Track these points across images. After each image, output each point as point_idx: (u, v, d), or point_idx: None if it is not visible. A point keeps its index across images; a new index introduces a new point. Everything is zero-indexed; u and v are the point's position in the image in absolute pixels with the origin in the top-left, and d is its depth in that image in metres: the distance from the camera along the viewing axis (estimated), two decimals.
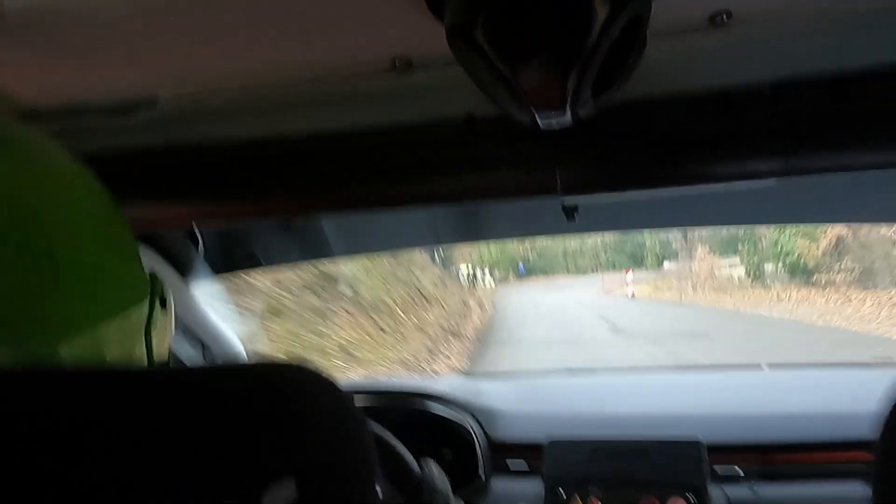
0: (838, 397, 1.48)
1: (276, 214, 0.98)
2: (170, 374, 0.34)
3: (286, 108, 0.91)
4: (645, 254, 39.86)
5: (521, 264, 39.44)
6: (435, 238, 1.47)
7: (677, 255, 30.85)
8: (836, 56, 0.78)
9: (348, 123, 0.92)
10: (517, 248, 38.16)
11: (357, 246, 1.59)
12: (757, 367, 1.86)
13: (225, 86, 0.86)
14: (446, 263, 20.42)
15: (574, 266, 43.08)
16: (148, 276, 0.54)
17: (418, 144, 0.90)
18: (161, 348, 0.54)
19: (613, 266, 38.98)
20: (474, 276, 27.55)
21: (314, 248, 1.49)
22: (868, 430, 0.45)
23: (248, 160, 0.94)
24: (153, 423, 0.30)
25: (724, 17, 0.69)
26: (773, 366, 1.84)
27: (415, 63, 0.81)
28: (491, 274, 31.28)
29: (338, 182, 0.92)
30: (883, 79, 0.79)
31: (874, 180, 1.13)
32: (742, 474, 1.32)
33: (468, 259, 28.73)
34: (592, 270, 40.43)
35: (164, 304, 0.55)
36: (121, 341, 0.47)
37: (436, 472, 0.97)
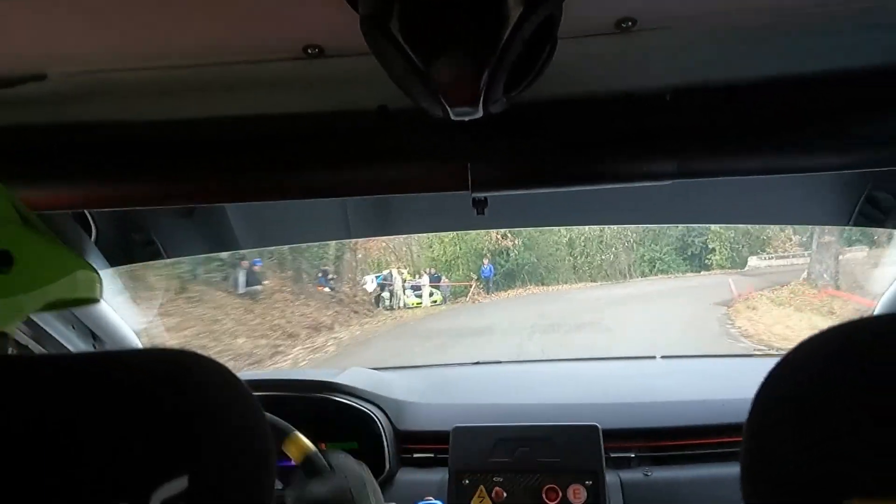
0: (722, 385, 1.59)
1: (177, 201, 0.94)
2: (52, 360, 0.32)
3: (191, 91, 0.87)
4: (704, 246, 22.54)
5: (487, 266, 20.13)
6: (346, 231, 1.45)
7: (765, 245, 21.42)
8: (732, 65, 0.84)
9: (257, 109, 0.89)
10: (488, 237, 19.99)
11: (265, 237, 1.54)
12: (651, 357, 1.98)
13: (123, 65, 0.82)
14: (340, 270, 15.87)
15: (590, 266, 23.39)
16: None
17: (329, 134, 0.89)
18: None
19: (663, 267, 22.83)
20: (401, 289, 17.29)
21: (220, 239, 1.44)
22: (745, 415, 0.48)
23: (147, 142, 0.89)
24: (35, 414, 0.27)
25: (630, 23, 0.72)
26: (665, 356, 1.96)
27: (327, 51, 0.80)
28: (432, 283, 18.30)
29: (244, 168, 0.89)
30: (774, 88, 0.85)
31: (765, 183, 1.22)
32: (634, 458, 1.39)
33: (403, 260, 19.28)
34: (624, 275, 22.74)
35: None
36: None
37: (342, 456, 0.98)
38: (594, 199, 1.32)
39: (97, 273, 0.60)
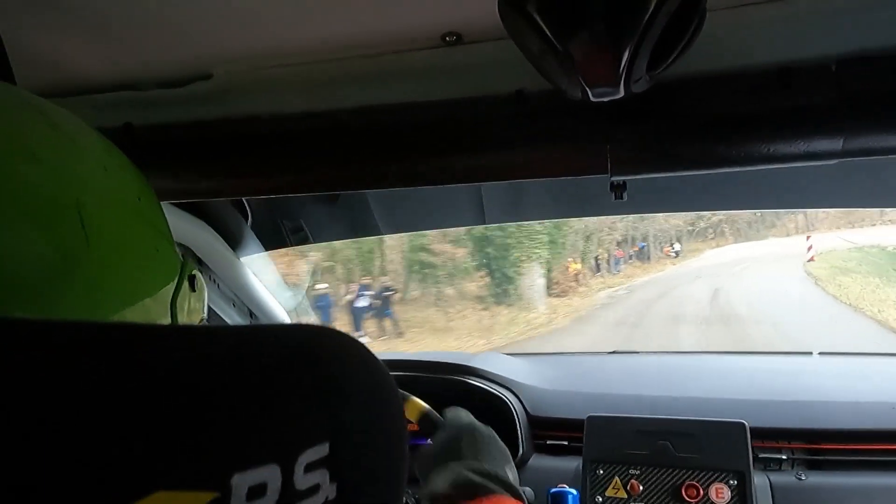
0: (889, 387, 1.43)
1: (324, 188, 0.99)
2: (208, 332, 0.34)
3: (337, 83, 0.92)
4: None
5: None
6: (481, 216, 1.47)
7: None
8: None
9: (398, 98, 0.92)
10: None
11: (403, 223, 1.60)
12: (808, 353, 1.82)
13: (277, 61, 0.88)
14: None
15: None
16: (180, 257, 0.55)
17: (468, 120, 0.90)
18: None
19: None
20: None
21: (361, 224, 1.51)
22: None
23: (297, 134, 0.95)
24: (190, 382, 0.30)
25: None
26: (823, 353, 1.80)
27: (465, 38, 0.81)
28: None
29: (386, 156, 0.93)
30: None
31: None
32: (787, 460, 1.30)
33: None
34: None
35: (192, 285, 0.55)
36: (146, 319, 0.48)
37: (456, 412, 1.02)
38: (741, 180, 1.23)
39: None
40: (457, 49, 0.83)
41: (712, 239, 37.63)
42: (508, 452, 0.94)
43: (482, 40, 0.82)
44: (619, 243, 27.86)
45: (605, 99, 0.71)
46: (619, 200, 0.94)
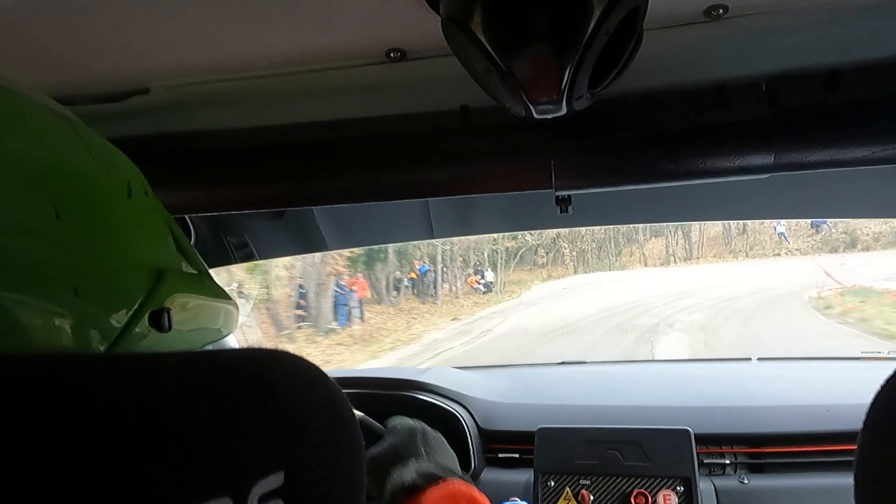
0: (825, 390, 1.49)
1: (269, 204, 0.98)
2: (154, 358, 0.32)
3: (279, 98, 0.91)
4: None
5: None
6: (429, 231, 1.47)
7: None
8: (830, 49, 0.79)
9: (342, 113, 0.92)
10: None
11: (351, 238, 1.58)
12: (747, 359, 1.88)
13: (218, 76, 0.86)
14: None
15: None
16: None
17: (413, 135, 0.90)
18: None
19: None
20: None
21: (308, 240, 1.49)
22: (855, 422, 0.45)
23: (240, 149, 0.93)
24: (134, 412, 0.28)
25: (721, 10, 0.69)
26: (762, 358, 1.86)
27: (410, 54, 0.81)
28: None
29: (331, 172, 0.92)
30: (876, 72, 0.79)
31: (864, 175, 1.13)
32: (730, 464, 1.33)
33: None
34: None
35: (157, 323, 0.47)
36: None
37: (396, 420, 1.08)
38: (681, 194, 1.27)
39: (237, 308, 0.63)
40: (401, 65, 0.83)
41: (543, 268, 23.64)
42: (455, 456, 1.04)
43: (426, 56, 0.82)
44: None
45: (549, 116, 0.72)
46: (564, 214, 0.96)
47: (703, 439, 1.32)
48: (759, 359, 1.87)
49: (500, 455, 1.46)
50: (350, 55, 0.81)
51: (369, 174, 0.91)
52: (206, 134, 0.94)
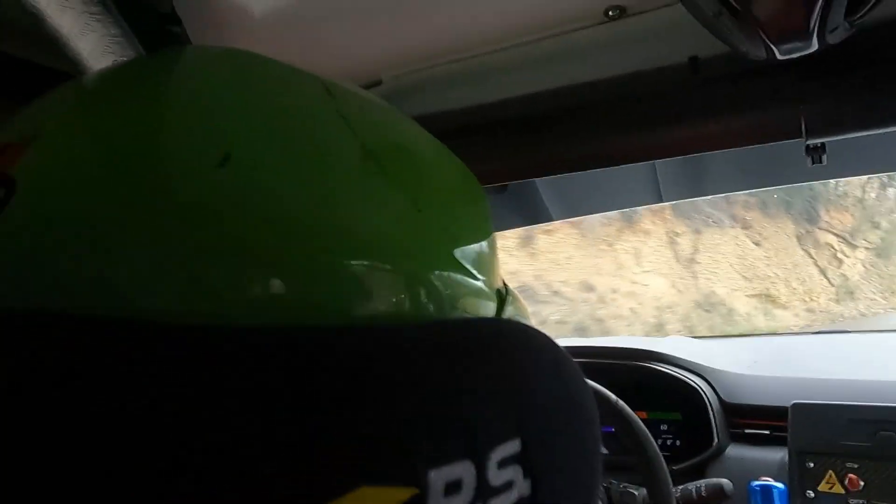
0: None
1: (494, 180, 1.00)
2: (392, 328, 0.33)
3: (501, 73, 0.93)
4: None
5: None
6: (657, 195, 1.40)
7: None
8: None
9: (562, 82, 0.90)
10: None
11: (575, 207, 1.57)
12: None
13: (442, 59, 0.90)
14: None
15: None
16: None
17: (639, 95, 0.86)
18: None
19: None
20: None
21: (532, 212, 1.51)
22: None
23: (461, 130, 0.97)
24: (383, 377, 0.29)
25: None
26: None
27: (629, 9, 0.78)
28: None
29: (554, 142, 0.92)
30: None
31: None
32: None
33: None
34: None
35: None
36: None
37: None
38: None
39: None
40: (620, 22, 0.80)
41: None
42: None
43: (648, 10, 0.78)
44: None
45: (795, 55, 0.64)
46: (818, 165, 0.85)
47: None
48: None
49: (746, 431, 1.36)
50: (567, 19, 0.80)
51: (593, 141, 0.89)
52: (430, 118, 0.99)
